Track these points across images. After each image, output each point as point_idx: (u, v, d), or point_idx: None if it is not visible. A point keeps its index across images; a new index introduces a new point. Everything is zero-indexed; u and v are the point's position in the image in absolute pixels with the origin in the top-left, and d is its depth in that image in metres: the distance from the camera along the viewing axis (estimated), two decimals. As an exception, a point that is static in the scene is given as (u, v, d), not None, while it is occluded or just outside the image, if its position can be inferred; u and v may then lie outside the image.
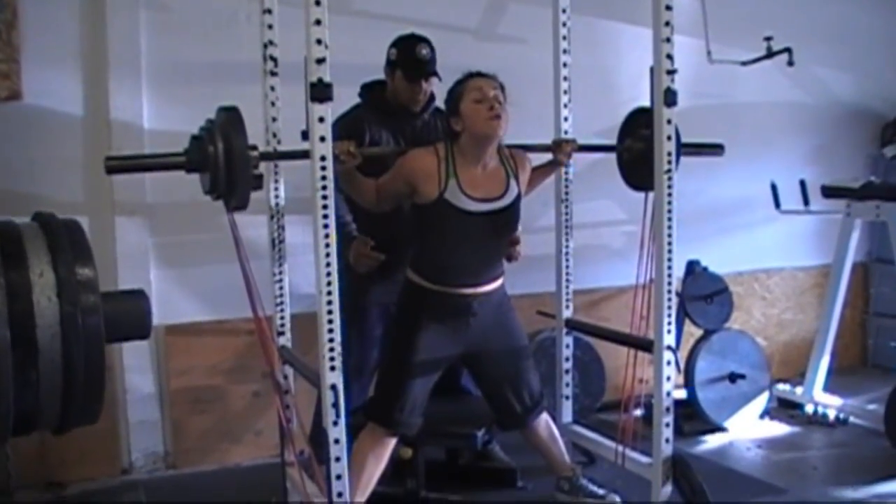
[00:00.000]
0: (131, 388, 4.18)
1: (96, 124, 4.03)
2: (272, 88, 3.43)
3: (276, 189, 3.45)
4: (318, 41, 2.74)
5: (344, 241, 3.42)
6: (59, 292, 1.75)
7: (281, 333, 3.52)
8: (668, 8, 3.17)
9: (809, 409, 4.94)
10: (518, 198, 3.34)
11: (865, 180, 4.81)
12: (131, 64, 4.05)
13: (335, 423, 2.85)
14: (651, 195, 3.36)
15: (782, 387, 5.13)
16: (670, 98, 3.21)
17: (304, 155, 2.85)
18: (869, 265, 5.91)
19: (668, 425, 3.35)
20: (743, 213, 5.44)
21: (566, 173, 3.90)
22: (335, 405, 2.84)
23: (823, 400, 4.92)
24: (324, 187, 2.78)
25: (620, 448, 3.61)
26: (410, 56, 3.69)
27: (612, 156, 3.81)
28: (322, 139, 2.77)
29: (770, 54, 4.94)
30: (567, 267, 3.96)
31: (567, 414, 4.01)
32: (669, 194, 3.25)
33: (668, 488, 3.36)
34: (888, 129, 5.79)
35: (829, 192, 4.88)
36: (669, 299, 3.30)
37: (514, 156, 3.40)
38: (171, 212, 4.16)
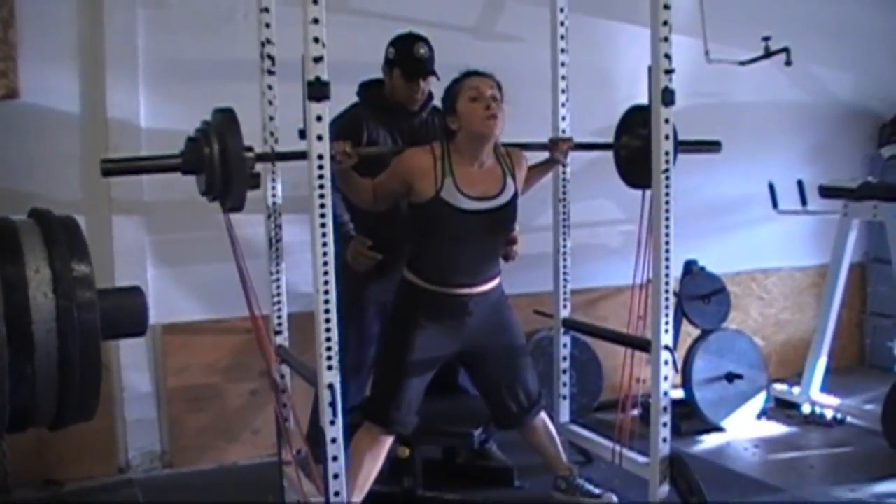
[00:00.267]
0: (128, 386, 4.18)
1: (93, 122, 4.03)
2: (269, 87, 3.43)
3: (274, 188, 3.45)
4: (316, 40, 2.74)
5: (342, 241, 3.42)
6: (56, 288, 1.74)
7: (278, 332, 3.52)
8: (667, 7, 3.16)
9: (807, 408, 4.94)
10: (515, 196, 3.34)
11: (863, 180, 4.81)
12: (129, 62, 4.05)
13: (332, 423, 2.85)
14: (649, 194, 3.36)
15: (780, 387, 5.13)
16: (668, 97, 3.21)
17: (301, 156, 2.86)
18: (866, 265, 5.91)
19: (665, 425, 3.34)
20: (741, 213, 5.44)
21: (563, 172, 3.90)
22: (332, 404, 2.84)
23: (821, 400, 4.92)
24: (321, 186, 2.78)
25: (618, 447, 3.60)
26: (408, 55, 3.69)
27: (610, 155, 3.81)
28: (319, 138, 2.77)
29: (768, 54, 4.93)
30: (564, 266, 3.96)
31: (564, 413, 4.01)
32: (667, 194, 3.25)
33: (666, 488, 3.35)
34: (886, 128, 5.80)
35: (826, 191, 4.88)
36: (667, 299, 3.30)
37: (510, 154, 3.40)
38: (169, 210, 4.16)
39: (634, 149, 3.65)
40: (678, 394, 4.50)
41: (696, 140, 3.80)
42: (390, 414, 3.29)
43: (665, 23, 3.17)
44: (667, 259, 3.29)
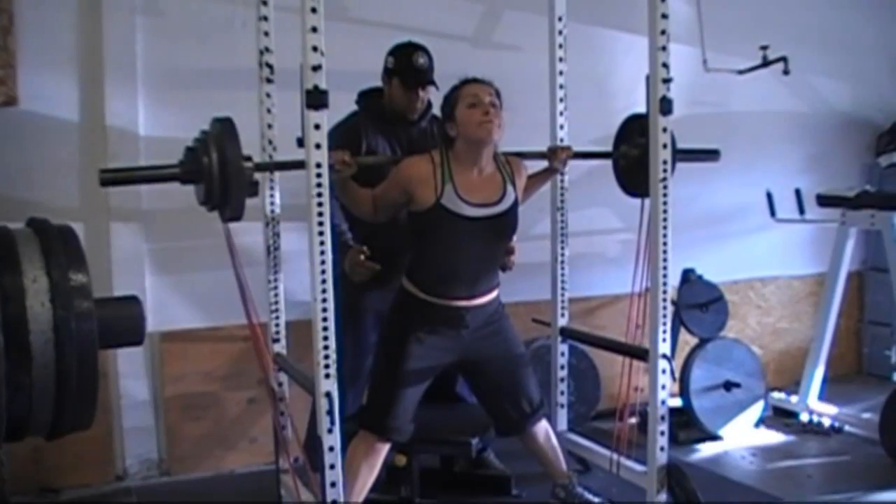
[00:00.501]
0: (126, 394, 4.17)
1: (92, 130, 4.03)
2: (268, 95, 3.44)
3: (272, 196, 3.45)
4: (315, 48, 2.74)
5: (340, 251, 3.41)
6: (53, 298, 1.74)
7: (276, 340, 3.52)
8: (665, 16, 3.17)
9: (804, 417, 4.94)
10: (515, 203, 3.33)
11: (860, 189, 4.81)
12: (127, 69, 4.05)
13: (330, 431, 2.85)
14: (647, 203, 3.37)
15: (777, 395, 5.13)
16: (666, 107, 3.21)
17: (300, 165, 2.85)
18: (864, 274, 5.91)
19: (663, 433, 3.34)
20: (739, 222, 5.45)
21: (562, 181, 3.90)
22: (330, 412, 2.83)
23: (818, 408, 4.92)
24: (319, 194, 2.78)
25: (615, 456, 3.60)
26: (408, 64, 3.70)
27: (608, 164, 3.82)
28: (318, 146, 2.77)
29: (766, 63, 4.95)
30: (562, 275, 3.96)
31: (562, 422, 4.01)
32: (665, 203, 3.25)
33: (663, 497, 3.35)
34: (883, 137, 5.81)
35: (824, 200, 4.88)
36: (665, 307, 3.30)
37: (510, 162, 3.40)
38: (167, 218, 4.15)
39: (633, 158, 3.66)
40: (676, 402, 4.49)
41: (695, 149, 3.80)
42: (386, 422, 3.28)
43: (663, 32, 3.17)
44: (664, 268, 3.29)
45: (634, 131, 3.66)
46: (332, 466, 2.87)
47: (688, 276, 4.83)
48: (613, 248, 5.03)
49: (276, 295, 3.49)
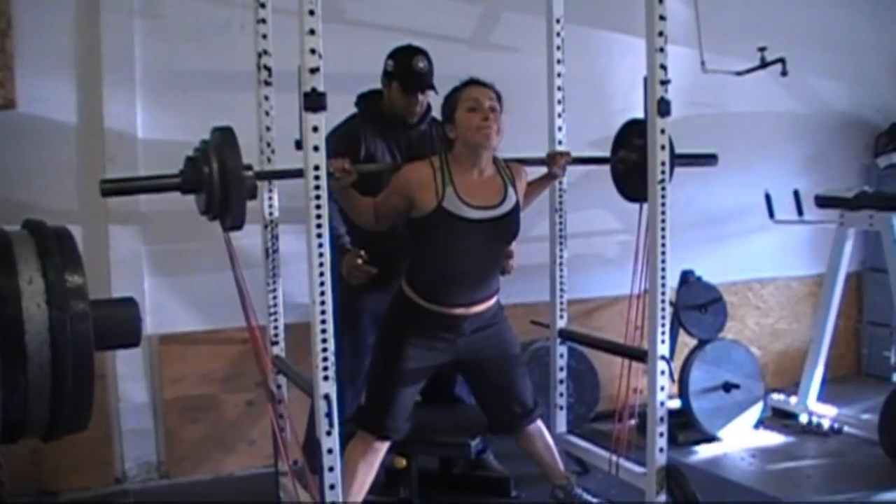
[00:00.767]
0: (124, 396, 4.17)
1: (90, 133, 4.03)
2: (266, 98, 3.44)
3: (270, 200, 3.46)
4: (313, 51, 2.75)
5: (338, 254, 3.41)
6: (49, 299, 1.74)
7: (275, 343, 3.52)
8: (662, 18, 3.17)
9: (804, 418, 4.94)
10: (517, 206, 3.33)
11: (859, 190, 4.81)
12: (125, 72, 4.05)
13: (328, 433, 2.85)
14: (645, 206, 3.37)
15: (776, 396, 5.13)
16: (664, 108, 3.21)
17: (300, 174, 2.85)
18: (863, 274, 5.91)
19: (661, 435, 3.34)
20: (737, 223, 5.45)
21: (560, 183, 3.91)
22: (328, 415, 2.84)
23: (818, 409, 4.92)
24: (317, 197, 2.78)
25: (614, 458, 3.60)
26: (407, 68, 3.69)
27: (606, 166, 3.82)
28: (316, 149, 2.78)
29: (764, 64, 4.94)
30: (561, 276, 3.96)
31: (561, 423, 4.01)
32: (663, 204, 3.25)
33: (662, 498, 3.35)
34: (881, 138, 5.81)
35: (822, 201, 4.88)
36: (663, 309, 3.30)
37: (510, 167, 3.40)
38: (165, 220, 4.15)
39: (631, 163, 3.66)
40: (675, 404, 4.49)
41: (693, 153, 3.81)
42: (384, 422, 3.28)
43: (661, 33, 3.18)
44: (663, 269, 3.30)
45: (632, 135, 3.67)
46: (331, 469, 2.87)
47: (686, 277, 4.83)
48: (612, 250, 5.03)
49: (274, 298, 3.49)
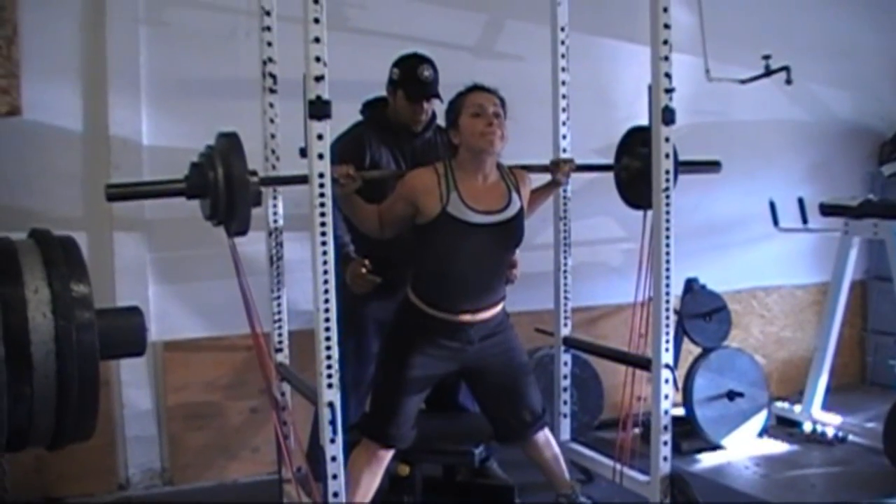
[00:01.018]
0: (129, 403, 4.17)
1: (95, 140, 4.04)
2: (271, 105, 3.44)
3: (275, 207, 3.46)
4: (317, 59, 2.75)
5: (342, 262, 3.41)
6: (54, 308, 1.75)
7: (279, 350, 3.52)
8: (667, 26, 3.18)
9: (808, 427, 4.93)
10: (521, 211, 3.32)
11: (863, 198, 4.81)
12: (131, 79, 4.06)
13: (332, 441, 2.84)
14: (650, 213, 3.37)
15: (781, 405, 5.12)
16: (668, 116, 3.22)
17: (304, 180, 2.86)
18: (867, 283, 5.90)
19: (666, 443, 3.34)
20: (741, 231, 5.44)
21: (564, 190, 3.91)
22: (332, 422, 2.83)
23: (822, 418, 4.91)
24: (322, 204, 2.78)
25: (618, 466, 3.60)
26: (413, 76, 3.69)
27: (610, 174, 3.82)
28: (320, 156, 2.78)
29: (768, 72, 4.94)
30: (565, 284, 3.96)
31: (565, 431, 4.01)
32: (667, 213, 3.26)
33: (666, 506, 3.35)
34: (886, 146, 5.80)
35: (827, 209, 4.88)
36: (667, 317, 3.30)
37: (514, 173, 3.40)
38: (170, 227, 4.16)
39: (635, 170, 3.66)
40: (679, 412, 4.50)
41: (696, 160, 3.81)
42: (388, 430, 3.27)
43: (665, 41, 3.18)
44: (667, 277, 3.30)
45: (636, 143, 3.67)
46: (334, 476, 2.87)
47: (691, 285, 4.83)
48: (616, 258, 5.03)
49: (279, 305, 3.49)
